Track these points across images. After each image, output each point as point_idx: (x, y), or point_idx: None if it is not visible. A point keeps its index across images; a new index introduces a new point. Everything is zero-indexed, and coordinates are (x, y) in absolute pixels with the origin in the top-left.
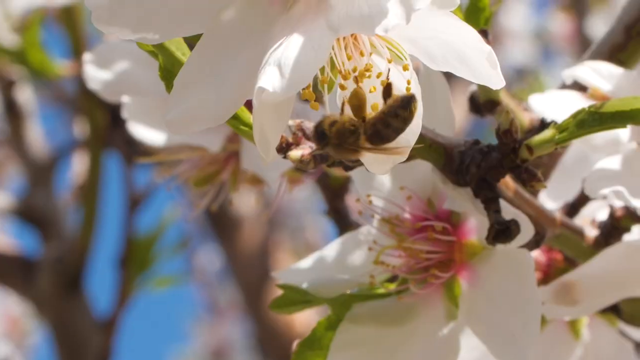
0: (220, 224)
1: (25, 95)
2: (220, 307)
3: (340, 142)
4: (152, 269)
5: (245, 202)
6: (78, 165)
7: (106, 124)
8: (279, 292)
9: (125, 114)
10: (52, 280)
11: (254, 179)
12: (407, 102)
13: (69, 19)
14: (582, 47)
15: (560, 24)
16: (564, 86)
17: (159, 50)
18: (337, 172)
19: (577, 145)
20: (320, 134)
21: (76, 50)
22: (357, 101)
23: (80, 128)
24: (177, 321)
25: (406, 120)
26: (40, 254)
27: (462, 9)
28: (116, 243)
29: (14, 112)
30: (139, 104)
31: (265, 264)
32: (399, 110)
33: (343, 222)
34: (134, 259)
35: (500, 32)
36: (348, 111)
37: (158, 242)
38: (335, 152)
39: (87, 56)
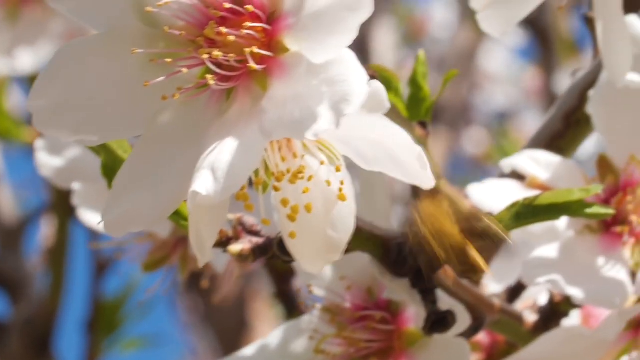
0: (197, 272)
1: None
2: (197, 356)
3: None
4: (120, 331)
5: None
6: (47, 229)
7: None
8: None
9: (75, 200)
10: (22, 343)
11: None
12: None
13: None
14: (549, 102)
15: (531, 77)
16: (502, 175)
17: (101, 148)
18: None
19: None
20: None
21: None
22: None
23: (49, 191)
24: None
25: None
26: (10, 317)
27: (404, 98)
28: (84, 305)
29: None
30: (90, 190)
31: (242, 313)
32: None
33: (290, 304)
34: (102, 322)
35: (481, 75)
36: None
37: (126, 304)
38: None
39: (38, 143)
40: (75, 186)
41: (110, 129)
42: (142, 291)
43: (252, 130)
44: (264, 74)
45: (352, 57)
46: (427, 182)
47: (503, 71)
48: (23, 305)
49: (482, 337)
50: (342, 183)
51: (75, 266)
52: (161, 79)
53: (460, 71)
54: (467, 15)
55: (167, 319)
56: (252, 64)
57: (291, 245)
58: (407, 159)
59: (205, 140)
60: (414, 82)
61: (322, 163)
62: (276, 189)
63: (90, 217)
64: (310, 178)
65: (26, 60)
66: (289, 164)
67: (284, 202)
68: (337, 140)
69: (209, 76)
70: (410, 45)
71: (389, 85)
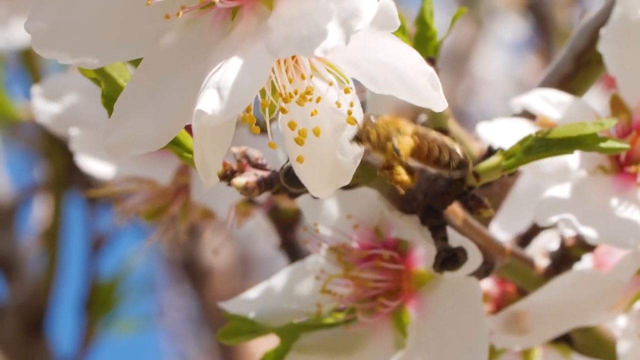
0: (192, 273)
1: None
2: (191, 357)
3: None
4: (115, 312)
5: (216, 252)
6: (41, 208)
7: (67, 165)
8: (253, 342)
9: (74, 146)
10: (16, 325)
11: (205, 212)
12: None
13: (29, 60)
14: None
15: (530, 69)
16: (513, 115)
17: (102, 77)
18: (288, 203)
19: (528, 176)
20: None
21: None
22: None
23: (42, 171)
24: None
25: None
26: (5, 299)
27: (411, 37)
28: (79, 286)
29: None
30: (88, 137)
31: None
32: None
33: (295, 254)
34: (97, 302)
35: (478, 78)
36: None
37: (121, 285)
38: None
39: (36, 89)
40: (73, 132)
41: (112, 51)
42: (139, 271)
43: (258, 49)
44: None
45: None
46: (439, 104)
47: (500, 72)
48: (17, 287)
49: (491, 287)
50: (351, 105)
51: (71, 245)
52: None
53: (455, 74)
54: (468, 13)
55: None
56: None
57: (299, 170)
58: (419, 81)
59: (209, 60)
60: (421, 21)
61: (330, 84)
62: (283, 111)
63: (89, 163)
64: (318, 100)
65: (22, 32)
66: (296, 85)
67: (292, 125)
68: (346, 62)
69: None
70: None
71: None
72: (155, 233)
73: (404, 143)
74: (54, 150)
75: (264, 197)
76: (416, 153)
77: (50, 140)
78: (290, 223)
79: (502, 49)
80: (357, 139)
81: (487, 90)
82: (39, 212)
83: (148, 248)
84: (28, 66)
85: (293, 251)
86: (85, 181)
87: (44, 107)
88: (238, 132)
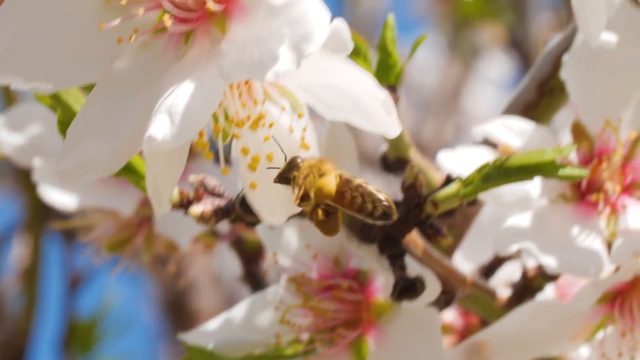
0: (179, 315)
1: None
2: None
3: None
4: (94, 351)
5: (203, 295)
6: (20, 247)
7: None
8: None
9: (36, 176)
10: None
11: (169, 243)
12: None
13: (7, 94)
14: None
15: None
16: (473, 142)
17: (57, 104)
18: (252, 235)
19: (491, 207)
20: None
21: None
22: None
23: (21, 208)
24: None
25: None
26: None
27: (373, 65)
28: (57, 324)
29: None
30: (51, 166)
31: None
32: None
33: (258, 286)
34: (76, 341)
35: (467, 115)
36: None
37: (101, 324)
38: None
39: None
40: (36, 162)
41: (65, 75)
42: (118, 309)
43: (210, 73)
44: (223, 16)
45: None
46: (392, 129)
47: (490, 109)
48: None
49: (455, 319)
50: (304, 130)
51: (50, 283)
52: (117, 21)
53: (445, 111)
54: (454, 53)
55: (145, 339)
56: (211, 4)
57: (252, 197)
58: (372, 105)
59: (162, 85)
60: (382, 48)
61: (283, 109)
62: (236, 136)
63: (51, 194)
64: (271, 125)
65: None
66: (249, 110)
67: (245, 151)
68: (300, 87)
69: (166, 16)
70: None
71: (357, 50)
72: (121, 264)
73: (326, 185)
74: (31, 186)
75: (227, 228)
76: (339, 200)
77: (28, 176)
78: (254, 255)
79: (489, 86)
80: (281, 179)
81: (475, 127)
82: (18, 250)
83: (133, 289)
84: (7, 99)
85: (256, 283)
86: (62, 217)
87: (7, 138)
88: (200, 161)
